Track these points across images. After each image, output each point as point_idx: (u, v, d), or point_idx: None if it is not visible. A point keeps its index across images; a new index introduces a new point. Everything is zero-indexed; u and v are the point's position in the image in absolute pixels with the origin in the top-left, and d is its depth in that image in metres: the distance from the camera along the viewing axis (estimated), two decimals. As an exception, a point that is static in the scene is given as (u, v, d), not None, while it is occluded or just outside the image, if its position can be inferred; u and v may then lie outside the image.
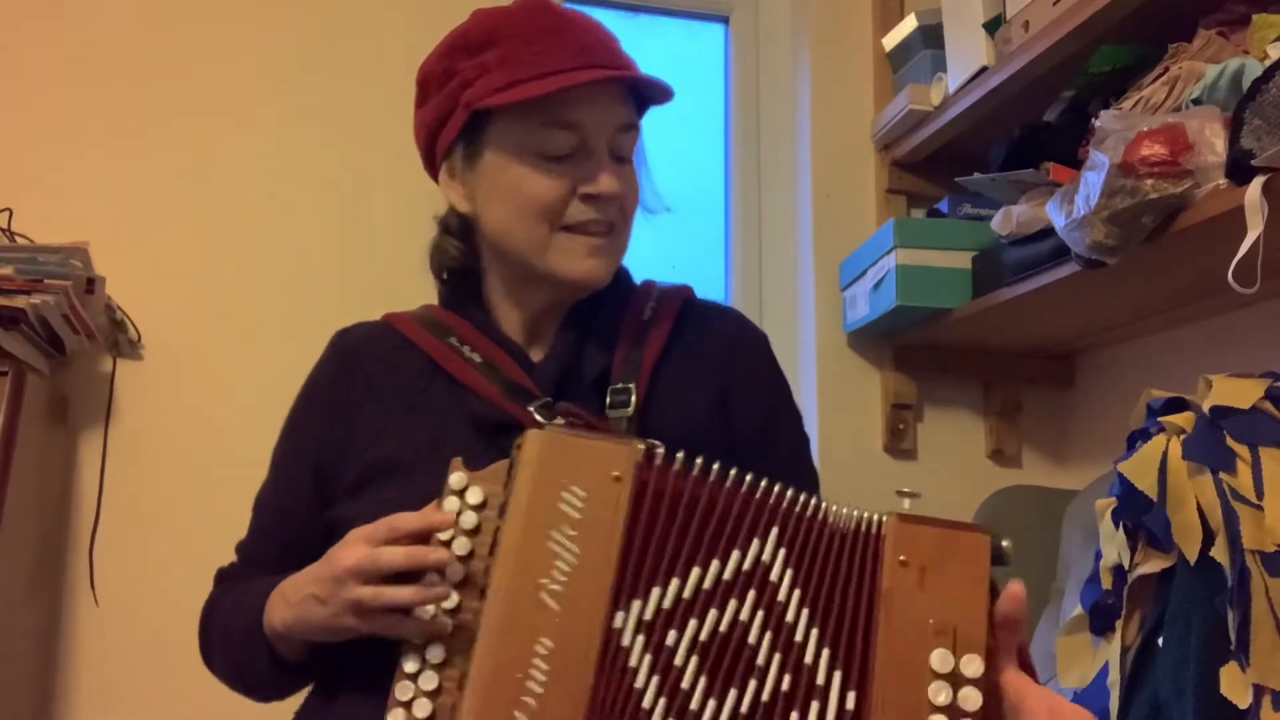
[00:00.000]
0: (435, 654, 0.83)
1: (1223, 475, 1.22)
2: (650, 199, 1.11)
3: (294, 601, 0.92)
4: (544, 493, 0.83)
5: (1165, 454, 1.26)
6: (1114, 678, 1.30)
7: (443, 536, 0.85)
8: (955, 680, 0.79)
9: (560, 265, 1.02)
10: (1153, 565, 1.27)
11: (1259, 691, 1.15)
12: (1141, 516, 1.27)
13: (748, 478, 0.85)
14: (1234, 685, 1.15)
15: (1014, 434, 2.13)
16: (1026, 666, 0.85)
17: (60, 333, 1.64)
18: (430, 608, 0.84)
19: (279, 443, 1.11)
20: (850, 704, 0.79)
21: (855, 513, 0.85)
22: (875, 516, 0.84)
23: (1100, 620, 1.35)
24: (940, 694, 0.79)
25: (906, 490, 0.88)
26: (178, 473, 1.83)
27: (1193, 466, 1.24)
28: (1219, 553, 1.19)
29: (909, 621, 0.80)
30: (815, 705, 0.79)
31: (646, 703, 0.79)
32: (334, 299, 1.90)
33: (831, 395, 2.07)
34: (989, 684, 0.80)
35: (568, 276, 1.03)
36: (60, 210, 1.83)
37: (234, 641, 1.02)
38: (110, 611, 1.78)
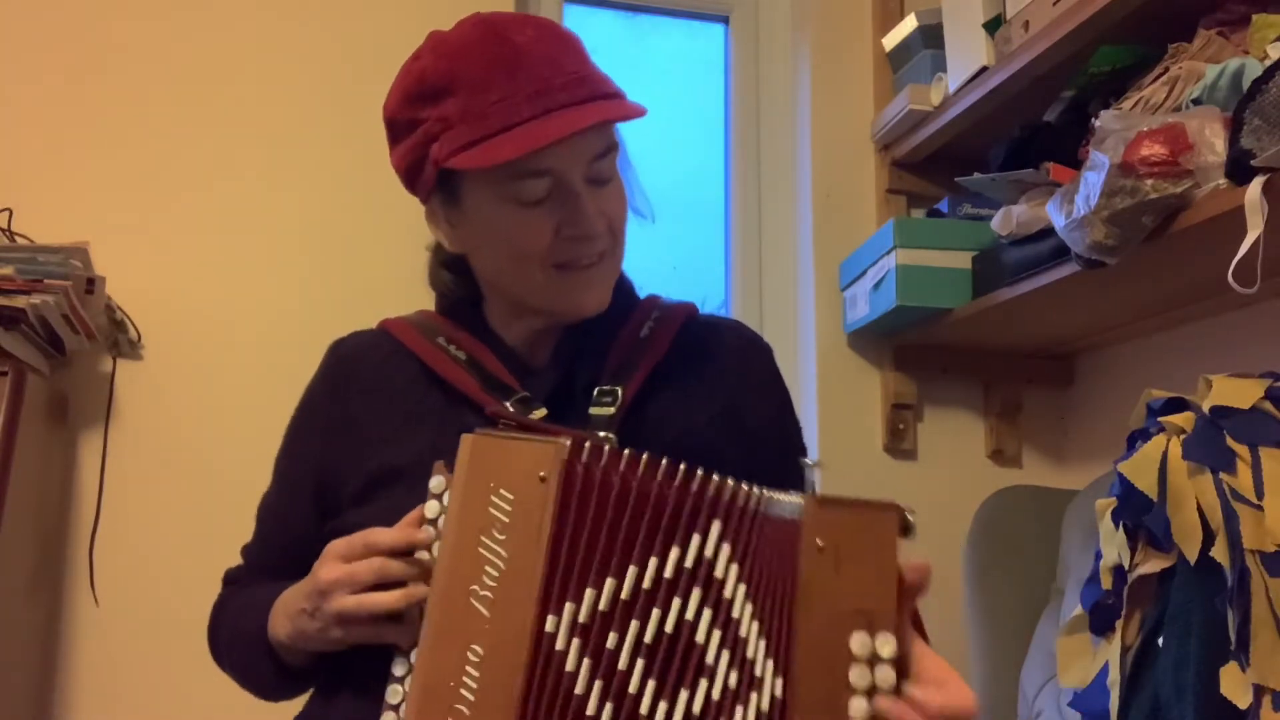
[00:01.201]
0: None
1: (1223, 475, 1.22)
2: (639, 202, 1.09)
3: (290, 615, 0.94)
4: (474, 498, 0.83)
5: (1165, 454, 1.27)
6: (1114, 678, 1.30)
7: (421, 531, 0.86)
8: (873, 662, 0.80)
9: (557, 303, 1.02)
10: (1153, 565, 1.27)
11: (1259, 691, 1.15)
12: (1141, 516, 1.27)
13: (681, 468, 0.84)
14: (1234, 685, 1.16)
15: (1014, 434, 2.13)
16: (916, 621, 0.86)
17: (60, 333, 1.64)
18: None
19: (280, 452, 1.11)
20: (779, 691, 0.80)
21: (779, 497, 0.84)
22: (794, 501, 0.84)
23: (1100, 620, 1.35)
24: (861, 678, 0.80)
25: (810, 461, 0.88)
26: (178, 473, 1.83)
27: (1193, 466, 1.24)
28: (1219, 553, 1.19)
29: (827, 606, 0.81)
30: (754, 696, 0.80)
31: (591, 709, 0.78)
32: (334, 299, 1.90)
33: (831, 395, 2.07)
34: (901, 661, 0.81)
35: (567, 312, 1.03)
36: (60, 210, 1.82)
37: (240, 646, 1.03)
38: (110, 611, 1.78)
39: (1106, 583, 1.34)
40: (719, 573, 0.82)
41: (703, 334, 1.11)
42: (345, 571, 0.87)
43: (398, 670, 0.84)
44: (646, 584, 0.81)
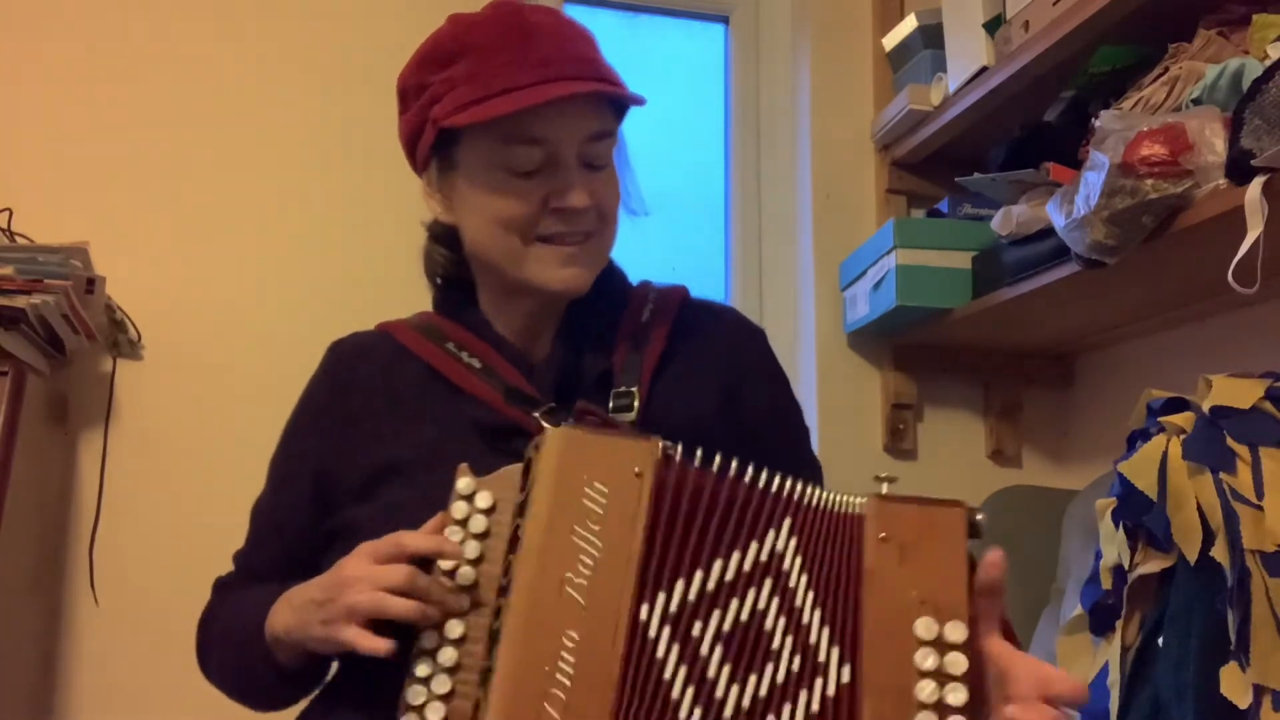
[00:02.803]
0: (447, 657, 0.83)
1: (1223, 475, 1.22)
2: (633, 201, 1.10)
3: (296, 605, 0.93)
4: (566, 489, 0.84)
5: (1165, 454, 1.27)
6: (1114, 678, 1.30)
7: (453, 540, 0.86)
8: (940, 646, 0.81)
9: (536, 276, 1.02)
10: (1153, 565, 1.27)
11: (1259, 691, 1.15)
12: (1141, 516, 1.27)
13: (763, 474, 0.87)
14: (1234, 685, 1.16)
15: (1014, 434, 2.13)
16: (1009, 634, 0.86)
17: (60, 333, 1.64)
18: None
19: (276, 452, 1.10)
20: (845, 676, 0.82)
21: (845, 498, 0.88)
22: (859, 499, 0.87)
23: (1100, 620, 1.35)
24: (927, 659, 0.81)
25: (884, 475, 0.89)
26: (178, 473, 1.83)
27: (1193, 466, 1.24)
28: (1219, 553, 1.19)
29: (892, 595, 0.83)
30: (819, 681, 0.82)
31: (675, 693, 0.80)
32: (334, 299, 1.90)
33: (831, 395, 2.07)
34: (974, 651, 0.82)
35: (544, 287, 1.02)
36: (60, 210, 1.83)
37: (235, 648, 1.01)
38: (110, 611, 1.78)
39: (1106, 583, 1.34)
40: (787, 565, 0.85)
41: (698, 318, 1.11)
42: (370, 572, 0.86)
43: (421, 670, 0.83)
44: (729, 576, 0.84)
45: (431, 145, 1.02)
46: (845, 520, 0.86)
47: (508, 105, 0.95)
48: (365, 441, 1.03)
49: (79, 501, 1.80)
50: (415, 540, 0.87)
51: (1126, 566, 1.31)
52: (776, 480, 0.87)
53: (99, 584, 1.78)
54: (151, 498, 1.81)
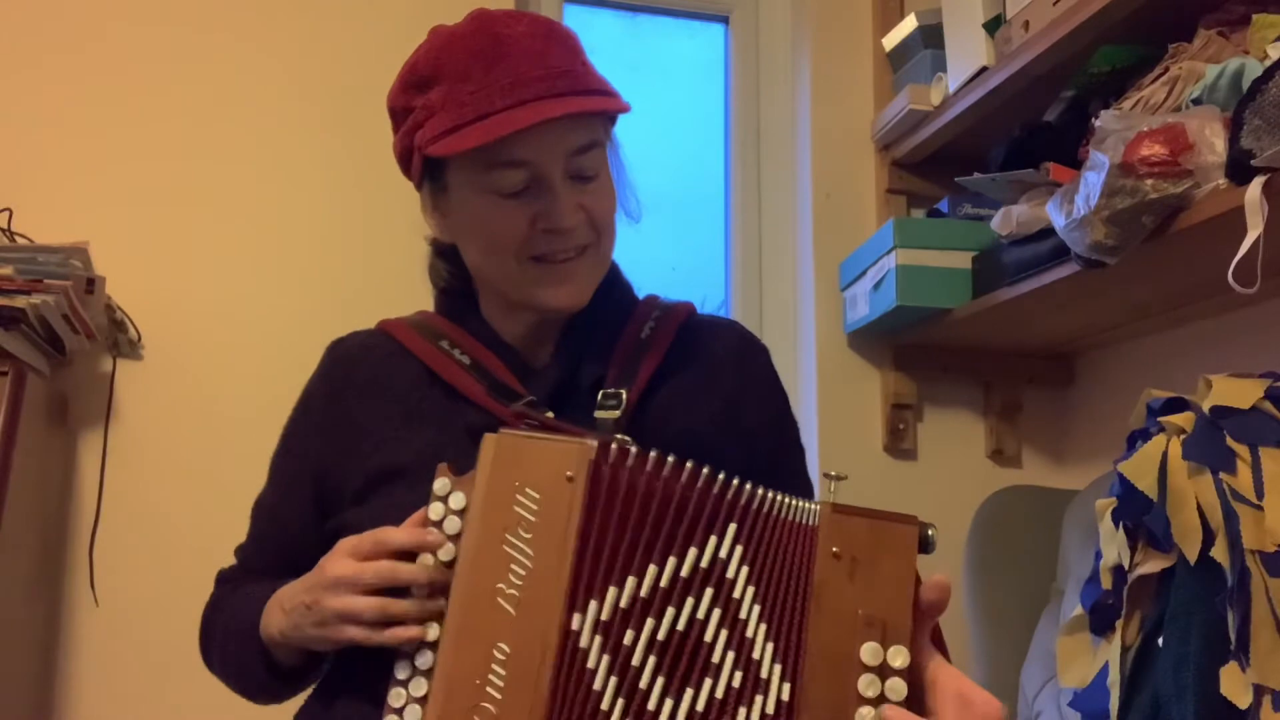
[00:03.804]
0: (424, 660, 0.83)
1: (1223, 475, 1.22)
2: (629, 203, 1.09)
3: (288, 609, 0.94)
4: (498, 496, 0.83)
5: (1165, 454, 1.27)
6: (1114, 678, 1.30)
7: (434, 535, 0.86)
8: (883, 672, 0.79)
9: (534, 296, 1.02)
10: (1153, 565, 1.27)
11: (1259, 691, 1.15)
12: (1141, 516, 1.27)
13: (704, 471, 0.84)
14: (1234, 685, 1.16)
15: (1014, 434, 2.13)
16: (938, 640, 0.85)
17: (60, 333, 1.64)
18: (416, 608, 0.84)
19: (277, 451, 1.11)
20: (785, 695, 0.80)
21: (797, 503, 0.84)
22: (812, 507, 0.84)
23: (1100, 620, 1.35)
24: (870, 687, 0.79)
25: (833, 473, 0.87)
26: (178, 473, 1.83)
27: (1193, 466, 1.24)
28: (1219, 553, 1.19)
29: (840, 613, 0.81)
30: (759, 699, 0.80)
31: (605, 704, 0.79)
32: (335, 299, 1.90)
33: (831, 395, 2.07)
34: (914, 672, 0.81)
35: (543, 305, 1.03)
36: (60, 210, 1.82)
37: (232, 645, 1.02)
38: (110, 611, 1.78)
39: (1106, 583, 1.34)
40: (731, 573, 0.82)
41: (701, 333, 1.11)
42: (354, 570, 0.87)
43: (401, 673, 0.83)
44: (664, 582, 0.81)
45: (421, 171, 1.02)
46: (796, 530, 0.83)
47: (479, 135, 0.94)
48: (365, 444, 1.03)
49: (79, 501, 1.80)
50: (397, 535, 0.87)
51: (1126, 566, 1.31)
52: (720, 480, 0.84)
53: (99, 584, 1.78)
54: (151, 498, 1.81)
